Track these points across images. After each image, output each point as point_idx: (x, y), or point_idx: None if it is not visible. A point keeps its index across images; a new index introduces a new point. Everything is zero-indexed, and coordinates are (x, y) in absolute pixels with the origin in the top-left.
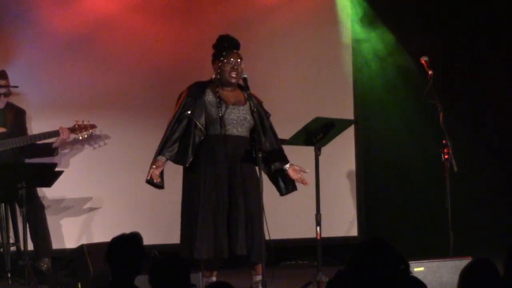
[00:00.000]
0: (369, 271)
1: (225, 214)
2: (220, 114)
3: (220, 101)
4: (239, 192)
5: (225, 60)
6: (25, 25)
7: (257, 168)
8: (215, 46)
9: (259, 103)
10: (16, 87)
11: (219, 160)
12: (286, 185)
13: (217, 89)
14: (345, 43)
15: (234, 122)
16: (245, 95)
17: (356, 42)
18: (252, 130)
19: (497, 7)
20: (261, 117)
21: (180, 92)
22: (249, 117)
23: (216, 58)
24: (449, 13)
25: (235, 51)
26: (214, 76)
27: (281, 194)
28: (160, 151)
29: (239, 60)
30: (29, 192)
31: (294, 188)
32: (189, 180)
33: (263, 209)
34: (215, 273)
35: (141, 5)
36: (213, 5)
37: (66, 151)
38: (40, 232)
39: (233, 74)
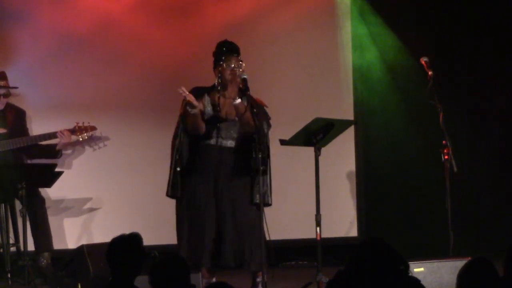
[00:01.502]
0: (368, 271)
1: (214, 223)
2: (218, 125)
3: (219, 111)
4: (228, 201)
5: (224, 65)
6: (25, 25)
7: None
8: (214, 53)
9: (264, 106)
10: (16, 88)
11: (210, 170)
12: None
13: (217, 97)
14: (345, 43)
15: (226, 134)
16: (245, 103)
17: (356, 42)
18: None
19: (498, 7)
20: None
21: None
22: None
23: (216, 63)
24: (449, 13)
25: (234, 55)
26: (216, 81)
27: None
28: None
29: (239, 64)
30: (29, 189)
31: (269, 202)
32: (181, 185)
33: (263, 210)
34: (215, 274)
35: (141, 5)
36: (213, 5)
37: (67, 152)
38: (41, 227)
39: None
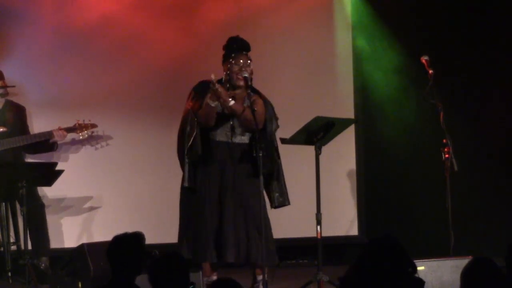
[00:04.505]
0: (377, 269)
1: (217, 217)
2: (231, 122)
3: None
4: (233, 197)
5: (233, 62)
6: (24, 22)
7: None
8: (225, 47)
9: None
10: (13, 86)
11: (218, 165)
12: (279, 197)
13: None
14: (345, 42)
15: (238, 130)
16: (245, 103)
17: (356, 41)
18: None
19: (498, 6)
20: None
21: (185, 91)
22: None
23: (225, 59)
24: (449, 12)
25: (244, 52)
26: (223, 76)
27: (272, 206)
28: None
29: (248, 62)
30: (30, 191)
31: (285, 202)
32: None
33: (264, 209)
34: (215, 272)
35: (141, 3)
36: (213, 3)
37: (67, 150)
38: (40, 232)
39: (240, 76)
